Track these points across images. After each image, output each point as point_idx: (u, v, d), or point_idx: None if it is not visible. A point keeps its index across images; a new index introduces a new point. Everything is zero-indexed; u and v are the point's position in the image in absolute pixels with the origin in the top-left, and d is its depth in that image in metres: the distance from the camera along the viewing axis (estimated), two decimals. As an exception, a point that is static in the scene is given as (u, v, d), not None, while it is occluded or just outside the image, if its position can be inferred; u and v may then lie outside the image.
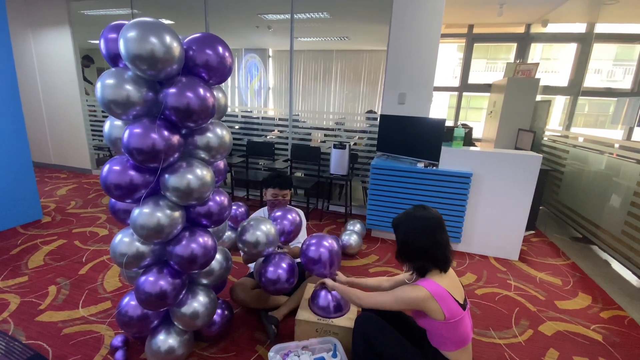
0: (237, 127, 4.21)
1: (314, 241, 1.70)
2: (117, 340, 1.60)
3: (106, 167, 1.27)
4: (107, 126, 1.34)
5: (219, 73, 1.32)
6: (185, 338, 1.52)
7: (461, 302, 1.19)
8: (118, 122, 1.34)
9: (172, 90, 1.20)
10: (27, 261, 2.39)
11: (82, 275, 2.26)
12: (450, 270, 1.25)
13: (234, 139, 4.09)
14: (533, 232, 3.34)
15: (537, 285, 2.41)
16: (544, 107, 4.25)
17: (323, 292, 1.64)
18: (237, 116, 4.33)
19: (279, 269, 1.67)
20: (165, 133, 1.22)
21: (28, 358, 1.06)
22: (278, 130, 4.11)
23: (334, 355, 1.27)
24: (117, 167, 1.27)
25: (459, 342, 1.18)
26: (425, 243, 1.19)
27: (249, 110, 4.82)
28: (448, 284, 1.19)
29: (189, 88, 1.22)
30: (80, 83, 4.56)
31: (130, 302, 1.47)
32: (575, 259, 2.85)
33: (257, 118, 4.26)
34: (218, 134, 1.38)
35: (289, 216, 1.82)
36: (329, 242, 1.69)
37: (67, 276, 2.23)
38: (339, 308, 1.61)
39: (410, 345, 1.24)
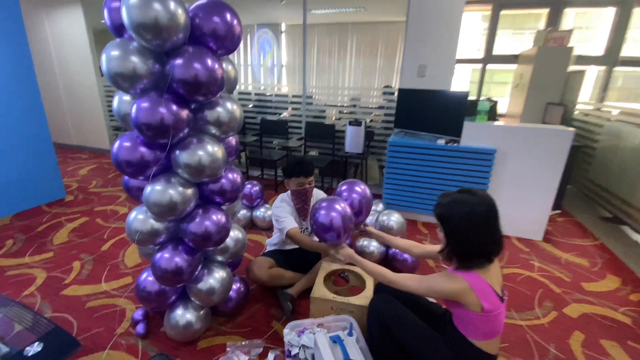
0: (250, 105, 4.14)
1: (324, 204, 1.51)
2: (138, 314, 1.65)
3: (117, 144, 1.25)
4: (116, 101, 1.31)
5: (228, 42, 1.25)
6: (202, 313, 1.54)
7: (500, 294, 1.10)
8: (127, 97, 1.30)
9: (179, 61, 1.15)
10: (52, 238, 2.48)
11: (104, 251, 2.33)
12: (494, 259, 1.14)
13: (247, 117, 4.06)
14: (559, 211, 3.19)
15: (562, 266, 2.31)
16: (576, 78, 3.94)
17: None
18: (250, 94, 4.26)
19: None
20: (174, 107, 1.17)
21: (50, 331, 1.09)
22: (292, 109, 4.02)
23: (350, 334, 1.25)
24: (127, 144, 1.24)
25: (490, 333, 1.10)
26: (484, 238, 1.05)
27: (262, 88, 4.72)
28: (491, 275, 1.09)
29: (196, 59, 1.15)
30: (96, 64, 4.56)
31: (148, 278, 1.49)
32: (605, 239, 2.71)
33: (271, 96, 4.17)
34: (228, 108, 1.33)
35: (357, 189, 1.67)
36: (342, 206, 1.50)
37: (90, 252, 2.30)
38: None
39: (428, 329, 1.19)
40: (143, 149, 1.24)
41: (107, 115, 4.80)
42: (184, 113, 1.21)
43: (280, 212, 1.87)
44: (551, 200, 2.55)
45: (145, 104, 1.14)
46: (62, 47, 4.63)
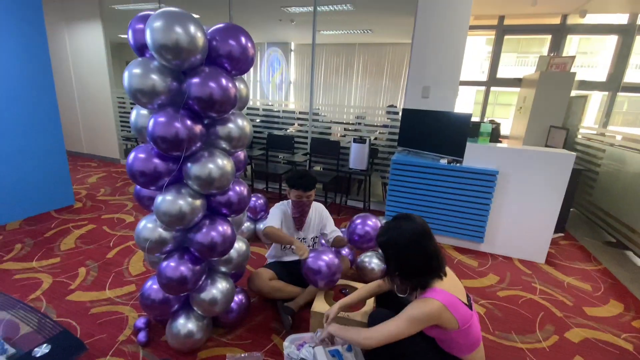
0: (258, 120, 4.25)
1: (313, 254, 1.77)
2: (140, 322, 1.67)
3: (132, 155, 1.32)
4: (133, 115, 1.39)
5: (241, 63, 1.33)
6: (203, 323, 1.56)
7: (466, 302, 1.15)
8: (144, 112, 1.38)
9: (196, 80, 1.22)
10: (59, 243, 2.53)
11: (109, 258, 2.37)
12: (447, 269, 1.20)
13: (255, 132, 4.16)
14: (562, 234, 3.18)
15: (564, 289, 2.30)
16: (579, 103, 4.02)
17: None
18: (258, 109, 4.38)
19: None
20: (188, 122, 1.24)
21: (57, 334, 1.12)
22: (298, 124, 4.12)
23: (349, 349, 1.27)
24: (142, 155, 1.31)
25: (472, 344, 1.14)
26: (420, 259, 1.13)
27: (269, 103, 4.85)
28: (450, 286, 1.15)
29: (211, 78, 1.23)
30: (111, 76, 4.74)
31: (152, 286, 1.52)
32: (608, 264, 2.69)
33: (278, 112, 4.28)
34: (239, 124, 1.40)
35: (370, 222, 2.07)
36: (329, 257, 1.74)
37: (96, 259, 2.34)
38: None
39: (426, 346, 1.21)
40: (157, 161, 1.30)
41: (118, 125, 4.94)
42: (198, 128, 1.28)
43: (270, 214, 2.01)
44: (553, 222, 2.56)
45: (162, 119, 1.21)
46: (80, 60, 4.83)
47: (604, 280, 2.45)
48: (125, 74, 1.23)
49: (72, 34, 4.76)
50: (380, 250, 1.24)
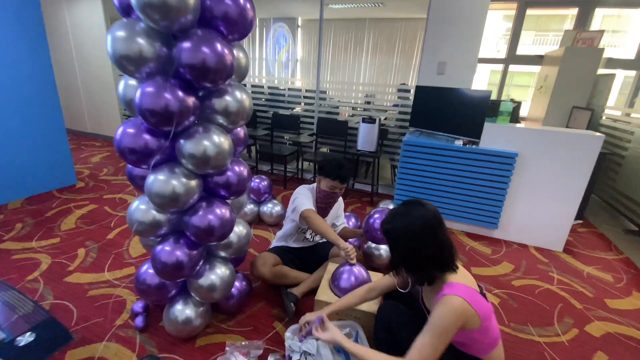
0: (263, 99, 4.08)
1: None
2: (138, 306, 1.61)
3: (120, 130, 1.20)
4: (121, 86, 1.26)
5: (239, 27, 1.18)
6: (202, 309, 1.49)
7: (479, 291, 1.03)
8: (133, 82, 1.25)
9: (187, 44, 1.08)
10: (60, 223, 2.48)
11: (109, 239, 2.31)
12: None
13: (260, 111, 4.00)
14: (581, 221, 3.02)
15: (584, 280, 2.17)
16: (605, 81, 3.74)
17: (345, 274, 1.54)
18: (263, 87, 4.20)
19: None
20: (180, 93, 1.11)
21: (43, 321, 1.05)
22: (304, 104, 3.94)
23: (355, 341, 1.17)
24: (131, 130, 1.19)
25: (493, 342, 1.03)
26: (431, 249, 0.98)
27: (275, 82, 4.65)
28: (463, 279, 1.02)
29: (205, 42, 1.09)
30: (112, 52, 4.58)
31: (148, 271, 1.44)
32: (630, 253, 2.54)
33: (284, 90, 4.10)
34: (237, 97, 1.26)
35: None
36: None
37: (96, 240, 2.29)
38: None
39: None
40: (147, 137, 1.19)
41: (121, 104, 4.82)
42: (190, 100, 1.14)
43: (301, 195, 1.81)
44: (575, 209, 2.40)
45: (150, 89, 1.08)
46: (81, 37, 4.67)
47: (626, 271, 2.31)
48: (109, 38, 1.09)
49: (72, 9, 4.57)
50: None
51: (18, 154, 2.80)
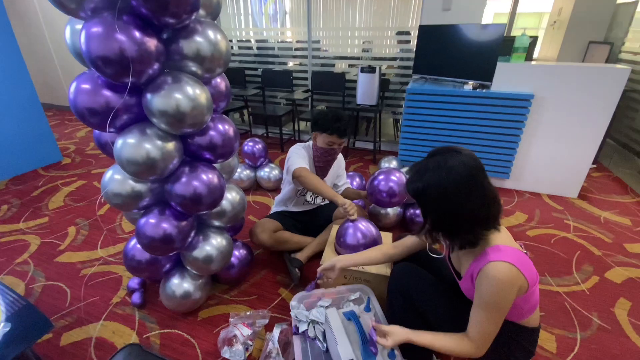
0: (251, 55, 3.76)
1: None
2: (134, 282, 1.52)
3: (73, 86, 1.00)
4: (67, 33, 1.03)
5: (202, -57, 0.93)
6: (201, 282, 1.39)
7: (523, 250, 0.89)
8: (80, 25, 1.02)
9: (136, -33, 0.85)
10: (47, 202, 2.35)
11: (100, 215, 2.19)
12: None
13: (249, 69, 3.69)
14: (594, 166, 2.87)
15: (601, 225, 2.07)
16: (626, 11, 3.37)
17: (351, 229, 1.42)
18: (250, 42, 3.86)
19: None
20: (136, 33, 0.90)
21: (18, 309, 0.94)
22: (297, 58, 3.62)
23: (367, 309, 1.08)
24: (86, 86, 0.99)
25: (534, 305, 0.91)
26: (478, 204, 0.80)
27: (263, 34, 4.26)
28: (509, 239, 0.87)
29: (159, -36, 0.85)
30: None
31: (136, 246, 1.33)
32: (648, 195, 2.42)
33: (273, 43, 3.76)
34: (211, 38, 1.04)
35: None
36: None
37: (86, 217, 2.17)
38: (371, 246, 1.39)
39: (457, 301, 1.00)
40: (107, 93, 0.99)
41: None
42: (152, 43, 0.93)
43: (294, 154, 1.64)
44: (593, 152, 2.24)
45: (97, 29, 0.87)
46: (49, 8, 4.20)
47: (645, 213, 2.20)
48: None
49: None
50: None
51: (-6, 134, 2.61)
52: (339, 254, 1.45)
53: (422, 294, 1.03)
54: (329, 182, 1.81)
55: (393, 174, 1.83)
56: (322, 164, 1.70)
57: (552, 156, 2.33)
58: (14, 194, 2.48)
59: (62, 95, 4.93)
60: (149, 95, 0.99)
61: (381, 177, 1.82)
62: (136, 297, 1.46)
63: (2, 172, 2.71)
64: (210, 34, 1.04)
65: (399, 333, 0.91)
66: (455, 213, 0.81)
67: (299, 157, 1.62)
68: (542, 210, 2.24)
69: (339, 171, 1.88)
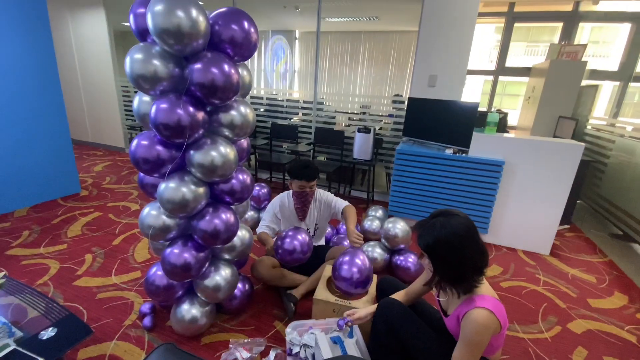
0: (262, 109, 4.22)
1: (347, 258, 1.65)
2: (146, 307, 1.70)
3: (135, 142, 1.31)
4: (136, 102, 1.38)
5: (244, 49, 1.31)
6: (207, 309, 1.58)
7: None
8: (146, 98, 1.37)
9: (198, 65, 1.21)
10: (66, 230, 2.57)
11: (115, 245, 2.40)
12: None
13: (259, 121, 4.13)
14: (568, 226, 3.16)
15: (568, 281, 2.29)
16: (589, 93, 3.92)
17: (346, 265, 1.61)
18: (262, 98, 4.35)
19: (294, 241, 1.74)
20: (191, 109, 1.23)
21: (63, 318, 1.14)
22: (302, 114, 4.09)
23: (350, 336, 1.28)
24: (145, 142, 1.31)
25: (501, 343, 1.12)
26: (476, 254, 1.04)
27: (274, 92, 4.81)
28: (489, 289, 1.10)
29: (214, 64, 1.21)
30: (115, 64, 4.72)
31: (157, 272, 1.54)
32: (614, 256, 2.67)
33: (282, 101, 4.25)
34: (242, 112, 1.38)
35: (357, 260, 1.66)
36: (362, 259, 1.65)
37: (102, 246, 2.37)
38: (363, 284, 1.59)
39: (437, 336, 1.20)
40: (160, 148, 1.30)
41: (122, 114, 4.95)
42: (200, 115, 1.27)
43: (267, 210, 2.05)
44: (559, 214, 2.53)
45: (164, 105, 1.20)
46: (84, 47, 4.81)
47: (609, 272, 2.43)
48: (127, 60, 1.22)
49: (76, 22, 4.72)
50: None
51: (25, 163, 2.90)
52: (335, 286, 1.66)
53: (405, 324, 1.22)
54: (317, 220, 2.08)
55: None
56: (299, 205, 2.00)
57: (525, 215, 2.63)
58: (35, 221, 2.70)
59: (84, 131, 5.35)
60: (192, 152, 1.30)
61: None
62: (147, 321, 1.63)
63: (25, 199, 2.96)
64: (242, 109, 1.38)
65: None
66: (460, 262, 1.04)
67: (268, 214, 2.02)
68: (517, 264, 2.47)
69: (330, 209, 2.04)
